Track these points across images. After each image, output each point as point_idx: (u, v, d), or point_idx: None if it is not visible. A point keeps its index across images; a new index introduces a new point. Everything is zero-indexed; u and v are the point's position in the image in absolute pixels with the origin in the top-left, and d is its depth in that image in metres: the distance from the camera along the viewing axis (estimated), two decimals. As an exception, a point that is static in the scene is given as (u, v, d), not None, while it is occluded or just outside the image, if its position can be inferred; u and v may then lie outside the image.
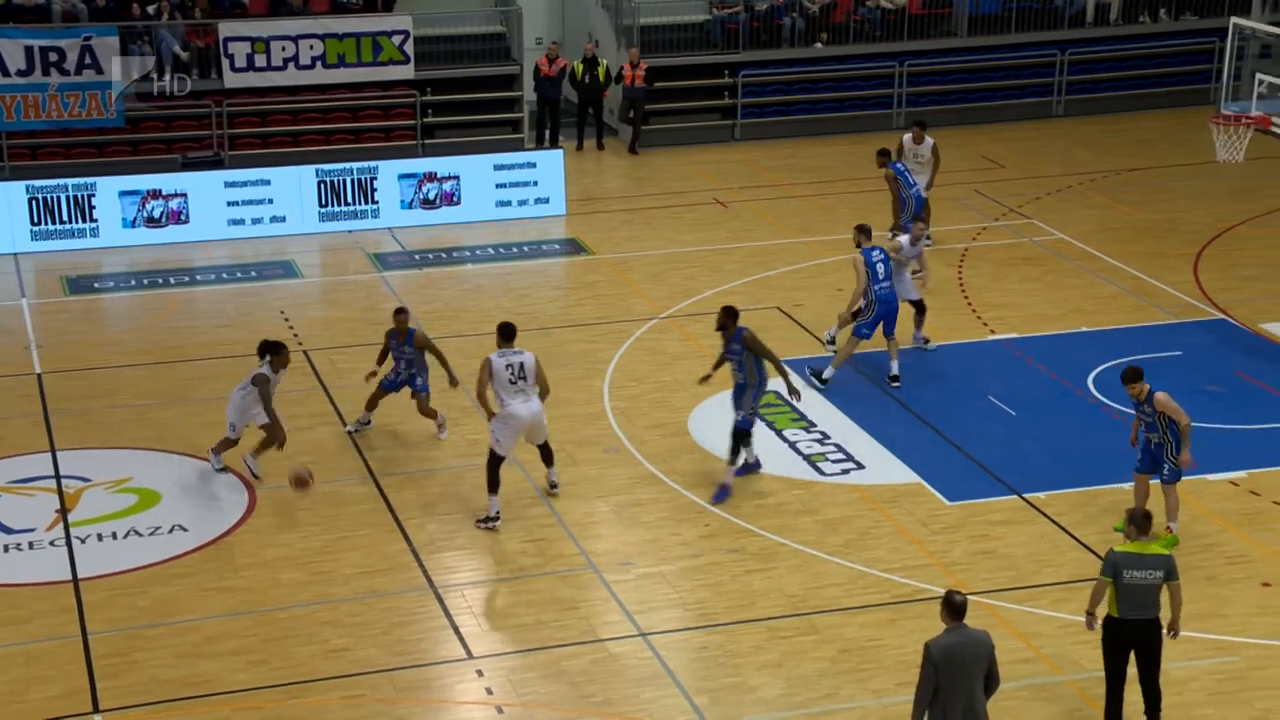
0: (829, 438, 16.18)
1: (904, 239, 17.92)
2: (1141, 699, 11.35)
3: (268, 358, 15.09)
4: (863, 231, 17.09)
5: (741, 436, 14.96)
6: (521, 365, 14.24)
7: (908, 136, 21.33)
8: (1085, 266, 20.72)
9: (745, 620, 13.04)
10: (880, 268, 16.72)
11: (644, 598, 13.41)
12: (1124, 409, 16.37)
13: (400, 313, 15.92)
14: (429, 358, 16.03)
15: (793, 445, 16.06)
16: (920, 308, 17.89)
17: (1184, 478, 14.17)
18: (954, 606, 10.21)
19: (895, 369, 17.05)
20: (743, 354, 14.73)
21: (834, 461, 15.71)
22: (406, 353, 15.93)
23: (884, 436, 16.13)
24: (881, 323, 16.89)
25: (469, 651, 12.69)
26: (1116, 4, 27.82)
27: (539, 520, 14.63)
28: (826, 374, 16.96)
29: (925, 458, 15.69)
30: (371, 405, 16.22)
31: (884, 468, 15.56)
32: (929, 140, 21.15)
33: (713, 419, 16.56)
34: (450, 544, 14.28)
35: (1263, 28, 19.28)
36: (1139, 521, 11.17)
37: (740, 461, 15.09)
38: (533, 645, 12.76)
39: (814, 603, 13.28)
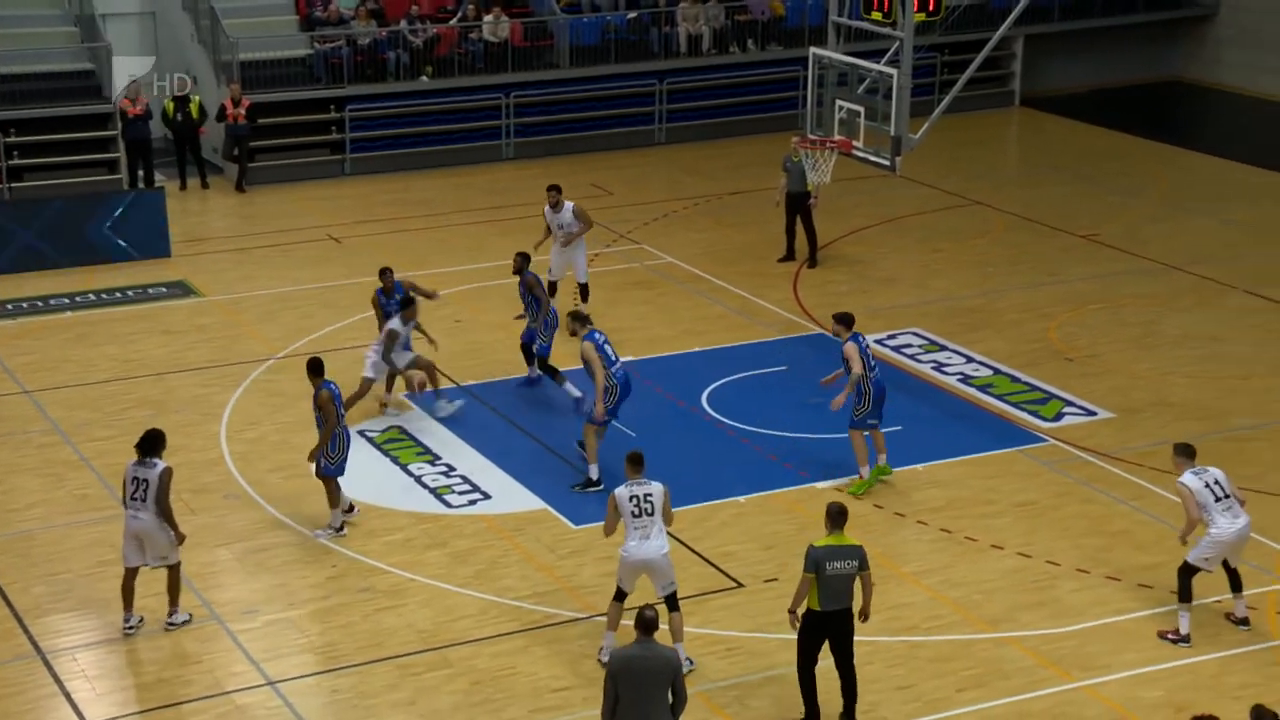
0: (455, 470, 16.17)
1: (395, 323, 17.00)
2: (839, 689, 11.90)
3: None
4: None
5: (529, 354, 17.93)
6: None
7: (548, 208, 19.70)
8: (694, 288, 21.41)
9: (377, 659, 12.87)
10: None
11: (271, 645, 13.06)
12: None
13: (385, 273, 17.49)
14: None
15: (419, 479, 15.97)
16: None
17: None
18: (644, 621, 10.46)
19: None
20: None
21: (460, 493, 15.70)
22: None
23: (508, 465, 16.23)
24: None
25: (83, 718, 12.05)
26: (708, 35, 28.93)
27: (155, 573, 14.04)
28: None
29: (550, 483, 15.86)
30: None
31: (510, 496, 15.65)
32: (568, 205, 19.61)
33: (335, 458, 16.36)
34: (59, 606, 13.55)
35: (838, 57, 20.22)
36: (834, 516, 11.78)
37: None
38: (154, 704, 12.24)
39: (445, 636, 13.23)
